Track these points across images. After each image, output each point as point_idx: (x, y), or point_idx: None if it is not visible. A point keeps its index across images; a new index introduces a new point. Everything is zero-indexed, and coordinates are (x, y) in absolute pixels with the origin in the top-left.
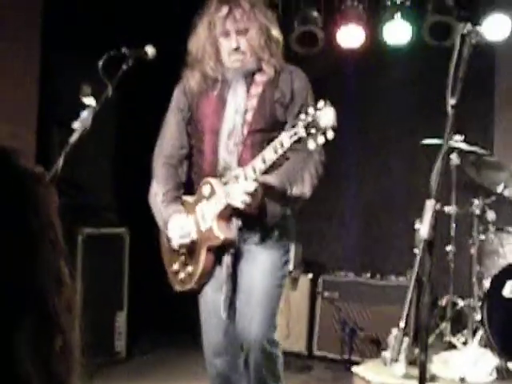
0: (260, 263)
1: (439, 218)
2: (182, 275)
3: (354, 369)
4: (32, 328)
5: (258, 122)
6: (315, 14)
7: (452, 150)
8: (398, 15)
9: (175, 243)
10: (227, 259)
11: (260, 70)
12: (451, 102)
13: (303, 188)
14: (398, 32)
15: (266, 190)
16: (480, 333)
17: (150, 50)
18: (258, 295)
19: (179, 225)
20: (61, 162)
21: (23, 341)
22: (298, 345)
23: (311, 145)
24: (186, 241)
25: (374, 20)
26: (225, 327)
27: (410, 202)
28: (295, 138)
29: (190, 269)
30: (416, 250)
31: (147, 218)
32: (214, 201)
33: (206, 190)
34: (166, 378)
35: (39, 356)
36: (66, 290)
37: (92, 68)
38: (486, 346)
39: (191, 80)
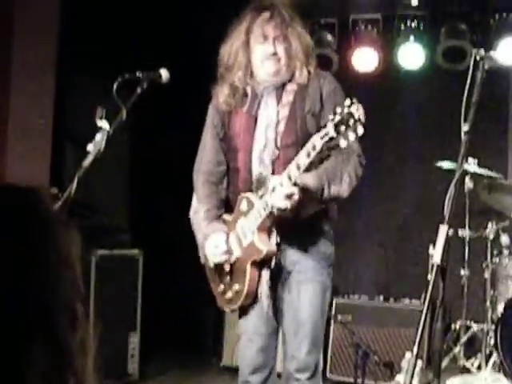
0: (305, 292)
1: (453, 242)
2: (229, 294)
3: None
4: (45, 366)
5: (290, 135)
6: (329, 37)
7: (466, 173)
8: (411, 39)
9: (210, 262)
10: (266, 275)
11: (291, 80)
12: (464, 128)
13: (341, 188)
14: (411, 55)
15: (303, 192)
16: (494, 357)
17: (164, 73)
18: (306, 327)
19: (215, 244)
20: (74, 184)
21: (36, 379)
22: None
23: (343, 143)
24: (220, 260)
25: (387, 43)
26: (265, 344)
27: (424, 224)
28: (326, 138)
29: (236, 287)
30: (429, 276)
31: (160, 239)
32: (253, 215)
33: (243, 205)
34: None
35: None
36: (80, 331)
37: (106, 90)
38: (499, 371)
39: (220, 96)
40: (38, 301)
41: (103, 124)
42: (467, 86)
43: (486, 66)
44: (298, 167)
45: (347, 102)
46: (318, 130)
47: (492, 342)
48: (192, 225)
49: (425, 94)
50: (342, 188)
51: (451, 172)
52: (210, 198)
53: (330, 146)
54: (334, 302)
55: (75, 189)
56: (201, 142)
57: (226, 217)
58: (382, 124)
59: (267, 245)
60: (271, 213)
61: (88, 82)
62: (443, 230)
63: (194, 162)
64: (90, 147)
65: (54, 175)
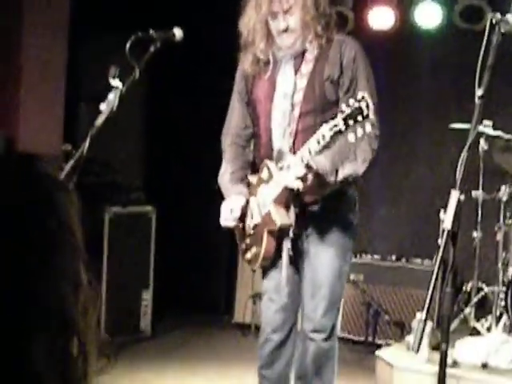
0: (325, 254)
1: (465, 204)
2: (248, 255)
3: (378, 352)
4: (48, 331)
5: (308, 103)
6: None
7: (480, 135)
8: None
9: (222, 221)
10: (287, 243)
11: (309, 47)
12: (478, 92)
13: (356, 166)
14: (428, 15)
15: (318, 175)
16: (504, 319)
17: (177, 32)
18: (323, 289)
19: (230, 207)
20: (87, 143)
21: (39, 343)
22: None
23: (351, 137)
24: (228, 224)
25: (404, 2)
26: (283, 305)
27: (436, 186)
28: (336, 129)
29: (254, 250)
30: (439, 241)
31: (174, 197)
32: (272, 185)
33: (264, 173)
34: (191, 356)
35: (55, 359)
36: (83, 295)
37: (120, 48)
38: (509, 333)
39: (245, 63)
40: (38, 263)
41: (116, 83)
42: (482, 50)
43: (503, 30)
44: (310, 151)
45: (359, 95)
46: (337, 97)
47: (503, 303)
48: (220, 186)
49: (441, 54)
50: (358, 165)
51: (466, 132)
52: (236, 160)
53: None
54: None
55: (88, 147)
56: (229, 105)
57: (252, 179)
58: (397, 83)
59: (282, 218)
60: (287, 189)
61: (101, 40)
62: (455, 196)
63: (209, 120)
64: (103, 106)
65: (68, 133)
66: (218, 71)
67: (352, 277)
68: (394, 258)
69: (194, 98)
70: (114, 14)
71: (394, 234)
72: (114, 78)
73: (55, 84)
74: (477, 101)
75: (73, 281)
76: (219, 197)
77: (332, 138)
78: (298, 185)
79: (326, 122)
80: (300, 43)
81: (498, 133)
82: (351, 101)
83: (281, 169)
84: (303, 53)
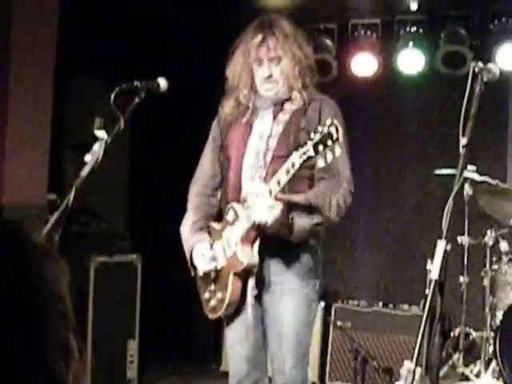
0: (288, 305)
1: (452, 249)
2: (213, 302)
3: None
4: None
5: (281, 148)
6: (329, 42)
7: (465, 180)
8: (411, 44)
9: (200, 271)
10: (251, 282)
11: (290, 99)
12: (462, 141)
13: (330, 213)
14: (411, 61)
15: (291, 207)
16: (493, 365)
17: (162, 82)
18: (289, 341)
19: (201, 252)
20: (72, 195)
21: None
22: (311, 374)
23: (321, 163)
24: (209, 267)
25: (387, 49)
26: (249, 354)
27: (422, 230)
28: (305, 157)
29: (219, 295)
30: (427, 291)
31: (159, 245)
32: (238, 225)
33: (230, 215)
34: None
35: None
36: (73, 364)
37: (105, 99)
38: (498, 378)
39: (226, 107)
40: (30, 337)
41: (101, 134)
42: (465, 98)
43: (485, 79)
44: (278, 183)
45: (328, 121)
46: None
47: (491, 349)
48: (180, 234)
49: (424, 100)
50: (330, 217)
51: (450, 176)
52: (199, 209)
53: (310, 165)
54: (333, 307)
55: (73, 198)
56: (202, 154)
57: (214, 225)
58: (381, 129)
59: (248, 257)
60: (254, 225)
61: (86, 90)
62: (441, 245)
63: (192, 168)
64: (88, 157)
65: (53, 181)
66: (203, 120)
67: (339, 323)
68: (380, 304)
69: (177, 146)
70: (99, 62)
71: (380, 280)
72: (98, 129)
73: (41, 133)
74: (461, 150)
75: (63, 349)
76: None
77: (301, 165)
78: (266, 218)
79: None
80: (283, 92)
81: (484, 178)
82: (319, 127)
83: (248, 207)
84: (283, 103)
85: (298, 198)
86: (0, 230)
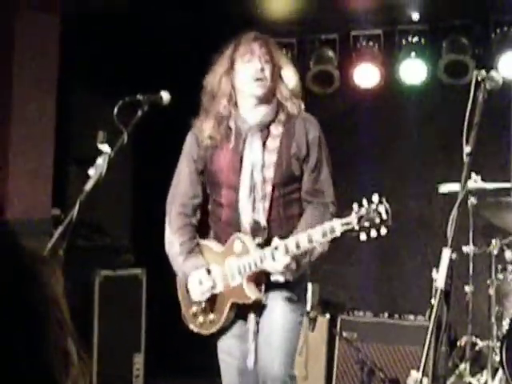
0: (279, 306)
1: (457, 259)
2: (201, 319)
3: None
4: None
5: (278, 177)
6: (331, 53)
7: (469, 191)
8: (413, 54)
9: (195, 297)
10: (252, 317)
11: (275, 120)
12: (466, 150)
13: (324, 247)
14: (413, 71)
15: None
16: (500, 374)
17: (164, 95)
18: (278, 338)
19: (199, 280)
20: (76, 209)
21: None
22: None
23: (363, 237)
24: (205, 297)
25: (389, 59)
26: (242, 367)
27: (427, 240)
28: (347, 227)
29: (211, 316)
30: (433, 300)
31: (164, 258)
32: (247, 261)
33: (237, 246)
34: None
35: None
36: (73, 370)
37: (108, 113)
38: None
39: (206, 129)
40: (27, 341)
41: (104, 148)
42: (469, 107)
43: (488, 87)
44: (311, 241)
45: (376, 198)
46: (301, 172)
47: (497, 358)
48: (168, 255)
49: (427, 109)
50: (324, 248)
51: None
52: (183, 231)
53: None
54: (339, 319)
55: (77, 212)
56: (176, 172)
57: (213, 246)
58: (385, 139)
59: (255, 293)
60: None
61: (89, 104)
62: (446, 254)
63: None
64: (92, 171)
65: (57, 196)
66: None
67: (345, 334)
68: (386, 315)
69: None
70: (102, 77)
71: (386, 290)
72: (102, 142)
73: (44, 147)
74: (465, 158)
75: (62, 355)
76: None
77: (342, 234)
78: (283, 273)
79: (287, 194)
80: (270, 111)
81: (488, 185)
82: (365, 202)
83: (259, 245)
84: (268, 125)
85: (306, 245)
86: None
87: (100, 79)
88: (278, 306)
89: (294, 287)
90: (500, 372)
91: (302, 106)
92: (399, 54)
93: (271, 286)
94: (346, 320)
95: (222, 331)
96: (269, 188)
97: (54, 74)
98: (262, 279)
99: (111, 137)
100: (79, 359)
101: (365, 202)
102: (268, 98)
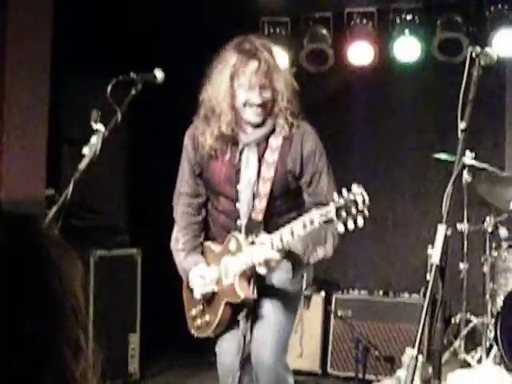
0: (274, 291)
1: (451, 236)
2: (199, 322)
3: None
4: None
5: (274, 190)
6: (324, 31)
7: (463, 167)
8: (407, 32)
9: (197, 294)
10: (243, 319)
11: (273, 132)
12: (461, 126)
13: (325, 249)
14: (407, 49)
15: (291, 257)
16: (494, 350)
17: (158, 74)
18: (271, 322)
19: (199, 275)
20: (70, 188)
21: None
22: (312, 364)
23: (340, 227)
24: (208, 290)
25: (383, 37)
26: (237, 348)
27: (421, 218)
28: (325, 218)
29: (207, 318)
30: (428, 276)
31: (158, 238)
32: (239, 258)
33: (232, 245)
34: None
35: None
36: (83, 360)
37: (102, 92)
38: (500, 364)
39: (208, 138)
40: (42, 327)
41: (98, 127)
42: (463, 83)
43: (482, 63)
44: (292, 234)
45: (355, 188)
46: (297, 185)
47: (492, 335)
48: (172, 252)
49: (421, 87)
50: (327, 249)
51: (448, 163)
52: (187, 229)
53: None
54: (333, 297)
55: (72, 191)
56: (179, 170)
57: (212, 246)
58: (379, 117)
59: (245, 292)
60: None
61: (83, 84)
62: (441, 230)
63: None
64: (86, 150)
65: (51, 176)
66: None
67: (340, 313)
68: (381, 292)
69: (177, 139)
70: (95, 56)
71: (380, 268)
72: (95, 121)
73: (38, 128)
74: (460, 134)
75: (74, 344)
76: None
77: (321, 224)
78: (267, 266)
79: (284, 203)
80: (268, 125)
81: (483, 165)
82: (345, 191)
83: (252, 243)
84: (266, 139)
85: (297, 246)
86: (13, 223)
87: (93, 58)
88: (272, 290)
89: (287, 294)
90: (494, 348)
91: (298, 122)
92: (393, 31)
93: (266, 287)
94: (340, 298)
95: (221, 333)
96: (264, 201)
97: (46, 54)
98: (252, 277)
99: (105, 116)
100: (89, 350)
101: (344, 191)
102: (265, 118)
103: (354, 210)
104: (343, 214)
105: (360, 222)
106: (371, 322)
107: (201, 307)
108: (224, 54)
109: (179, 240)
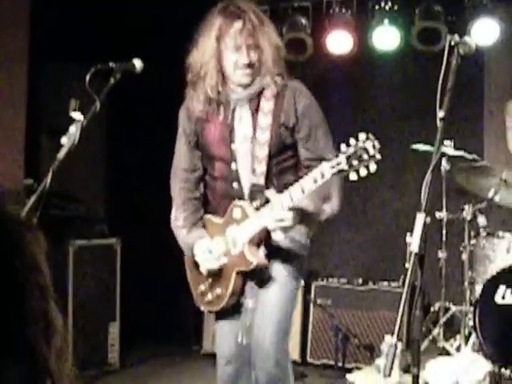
0: (275, 278)
1: (430, 224)
2: (209, 297)
3: (348, 376)
4: (20, 373)
5: (272, 147)
6: (303, 20)
7: (442, 155)
8: (386, 21)
9: (204, 268)
10: (250, 284)
11: (263, 89)
12: (440, 114)
13: (332, 205)
14: (386, 38)
15: (301, 214)
16: (473, 338)
17: (137, 63)
18: (272, 308)
19: (207, 249)
20: (49, 178)
21: (10, 380)
22: (292, 352)
23: (353, 176)
24: (216, 265)
25: (362, 26)
26: (237, 336)
27: (400, 206)
28: (336, 169)
29: (218, 291)
30: (407, 264)
31: (138, 228)
32: (247, 226)
33: (236, 213)
34: None
35: None
36: (55, 336)
37: (80, 81)
38: (478, 352)
39: (195, 103)
40: (7, 307)
41: (77, 116)
42: (442, 72)
43: (461, 52)
44: (303, 191)
45: (362, 136)
46: (293, 141)
47: (471, 323)
48: (173, 231)
49: (400, 76)
50: (333, 205)
51: (427, 153)
52: (186, 205)
53: (294, 155)
54: (313, 285)
55: (50, 180)
56: (175, 148)
57: (213, 218)
58: (358, 106)
59: (257, 257)
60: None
61: (61, 73)
62: (420, 218)
63: (171, 151)
64: (64, 140)
65: (29, 166)
66: (181, 102)
67: (319, 301)
68: (360, 281)
69: (157, 128)
70: (74, 45)
71: (359, 257)
72: (74, 110)
73: (16, 117)
74: (438, 123)
75: (44, 321)
76: None
77: (332, 176)
78: (280, 227)
79: (281, 163)
80: (257, 84)
81: (461, 153)
82: (352, 140)
83: (257, 209)
84: (258, 95)
85: (308, 204)
86: None
87: (71, 47)
88: (274, 282)
89: (293, 259)
90: (473, 336)
91: (285, 77)
92: (372, 20)
93: (271, 257)
94: (320, 287)
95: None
96: (265, 151)
97: (24, 42)
98: (261, 243)
99: (84, 105)
100: (63, 326)
101: (352, 140)
102: (254, 78)
103: (365, 157)
104: (354, 162)
105: (372, 167)
106: (351, 311)
107: (209, 281)
108: (209, 18)
109: (179, 217)
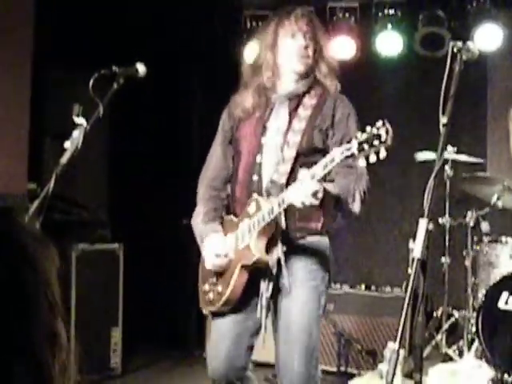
0: (297, 297)
1: (433, 230)
2: (210, 295)
3: (351, 382)
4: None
5: (305, 143)
6: None
7: (445, 161)
8: (389, 26)
9: (208, 263)
10: (264, 285)
11: (309, 91)
12: (443, 120)
13: (353, 206)
14: (389, 43)
15: (325, 196)
16: (476, 344)
17: (140, 68)
18: (297, 332)
19: (214, 243)
20: (52, 182)
21: None
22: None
23: (362, 162)
24: (220, 261)
25: (365, 31)
26: (228, 352)
27: (403, 212)
28: (347, 153)
29: (219, 288)
30: (410, 270)
31: (141, 233)
32: (257, 216)
33: (251, 207)
34: None
35: None
36: (61, 352)
37: (83, 85)
38: (481, 358)
39: (246, 101)
40: (16, 320)
41: (80, 121)
42: (445, 78)
43: (464, 58)
44: (313, 177)
45: (379, 123)
46: (325, 146)
47: (473, 329)
48: (193, 227)
49: (403, 82)
50: (355, 205)
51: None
52: (209, 202)
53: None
54: None
55: (54, 185)
56: (211, 147)
57: (230, 218)
58: (361, 112)
59: (260, 252)
60: (275, 220)
61: (65, 78)
62: (423, 224)
63: (174, 156)
64: (68, 144)
65: (33, 171)
66: (183, 107)
67: None
68: (363, 286)
69: (159, 133)
70: (76, 49)
71: (362, 263)
72: (77, 115)
73: (19, 122)
74: (441, 129)
75: (51, 337)
76: (187, 232)
77: (342, 161)
78: (306, 201)
79: (306, 165)
80: (302, 86)
81: (464, 158)
82: (368, 128)
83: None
84: (299, 96)
85: (332, 187)
86: None
87: (75, 52)
88: (295, 296)
89: (315, 256)
90: (476, 342)
91: (339, 87)
92: (375, 26)
93: (290, 254)
94: None
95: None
96: (292, 153)
97: (28, 47)
98: (277, 238)
99: (87, 110)
100: (68, 343)
101: (368, 127)
102: (308, 74)
103: (376, 142)
104: (365, 147)
105: (382, 153)
106: (353, 316)
107: (214, 279)
108: (268, 21)
109: (200, 213)
